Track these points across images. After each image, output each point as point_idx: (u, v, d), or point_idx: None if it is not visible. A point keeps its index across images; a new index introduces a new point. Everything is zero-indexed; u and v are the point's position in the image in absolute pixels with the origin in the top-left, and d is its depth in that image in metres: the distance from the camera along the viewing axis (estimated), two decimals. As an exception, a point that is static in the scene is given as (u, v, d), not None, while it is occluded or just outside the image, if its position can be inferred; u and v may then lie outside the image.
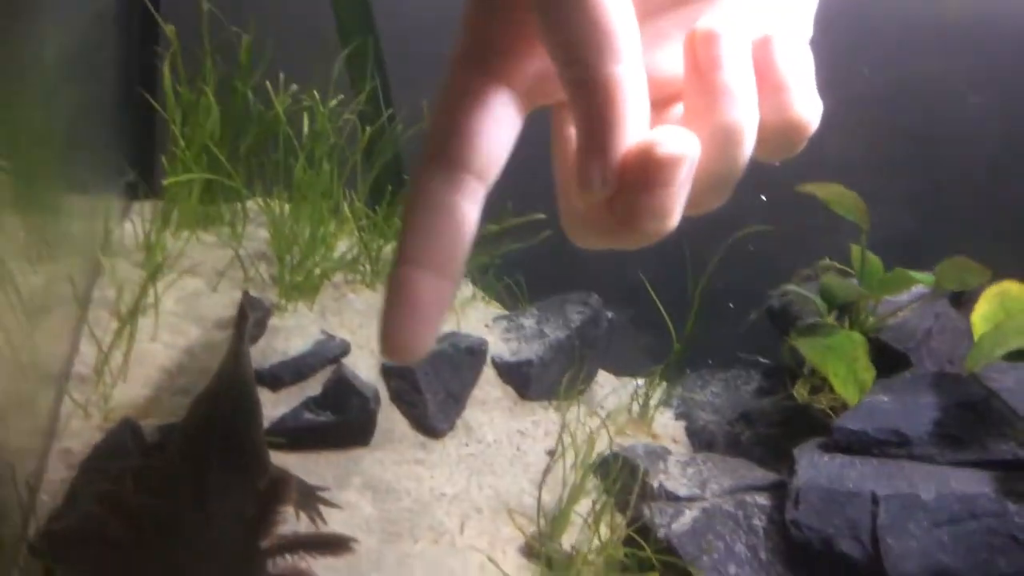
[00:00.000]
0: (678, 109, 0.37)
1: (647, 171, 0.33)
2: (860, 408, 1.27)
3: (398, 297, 0.35)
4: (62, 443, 1.09)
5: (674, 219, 0.34)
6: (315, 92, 1.34)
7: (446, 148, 0.36)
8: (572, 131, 0.37)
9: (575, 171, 0.34)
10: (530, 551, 1.22)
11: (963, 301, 1.45)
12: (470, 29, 0.38)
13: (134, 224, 1.32)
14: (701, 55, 0.35)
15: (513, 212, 1.42)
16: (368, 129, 1.36)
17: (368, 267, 1.40)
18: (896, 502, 1.16)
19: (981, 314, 1.23)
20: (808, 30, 0.39)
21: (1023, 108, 1.50)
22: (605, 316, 1.53)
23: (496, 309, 1.53)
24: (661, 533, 1.21)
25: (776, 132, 0.36)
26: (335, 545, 0.88)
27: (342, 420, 1.22)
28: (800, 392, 1.46)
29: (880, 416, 1.26)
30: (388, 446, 1.27)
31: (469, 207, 0.36)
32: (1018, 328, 1.17)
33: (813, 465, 1.23)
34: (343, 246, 1.39)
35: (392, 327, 0.34)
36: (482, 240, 1.48)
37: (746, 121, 0.35)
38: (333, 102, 1.35)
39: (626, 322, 1.63)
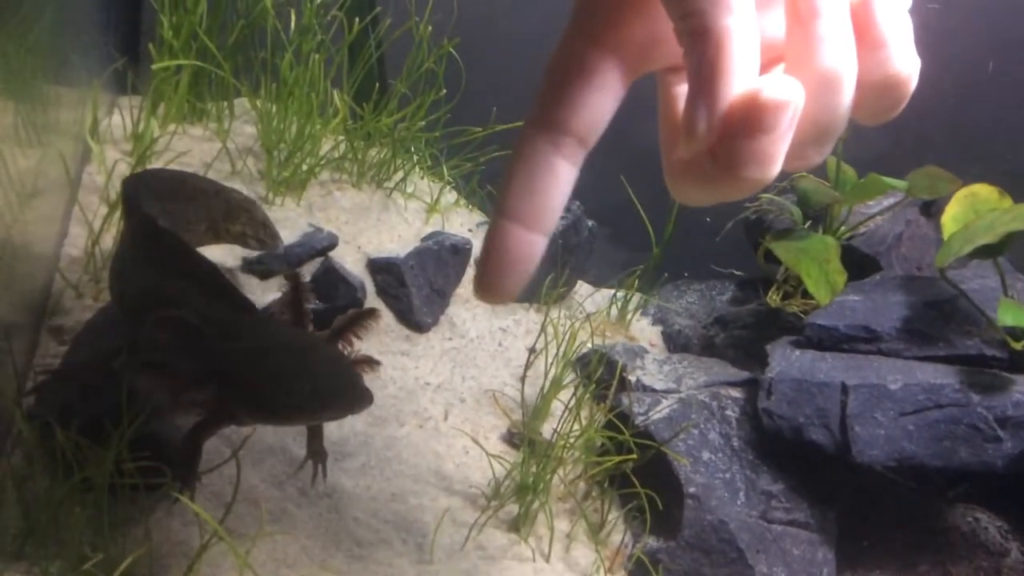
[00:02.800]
0: (781, 69, 0.38)
1: (751, 116, 0.34)
2: (831, 306, 1.32)
3: (494, 247, 0.39)
4: (54, 320, 1.11)
5: (776, 167, 0.35)
6: (302, -13, 1.35)
7: (552, 113, 0.39)
8: (678, 92, 0.40)
9: (682, 118, 0.35)
10: (512, 437, 1.26)
11: (933, 211, 1.50)
12: None
13: (122, 115, 1.32)
14: (802, 6, 0.36)
15: (498, 119, 1.44)
16: (357, 22, 1.36)
17: (355, 167, 1.41)
18: (864, 392, 1.21)
19: (952, 215, 1.27)
20: None
21: (993, 24, 1.53)
22: (586, 224, 1.56)
23: (479, 215, 1.55)
24: (639, 420, 1.25)
25: (876, 88, 0.37)
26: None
27: (330, 308, 1.24)
28: (772, 298, 1.51)
29: (850, 313, 1.31)
30: (374, 337, 1.30)
31: (567, 168, 0.39)
32: (986, 226, 1.21)
33: (785, 359, 1.28)
34: (329, 144, 1.40)
35: (486, 273, 0.39)
36: (466, 146, 1.50)
37: (844, 68, 0.36)
38: (319, -1, 1.36)
39: (606, 236, 1.66)
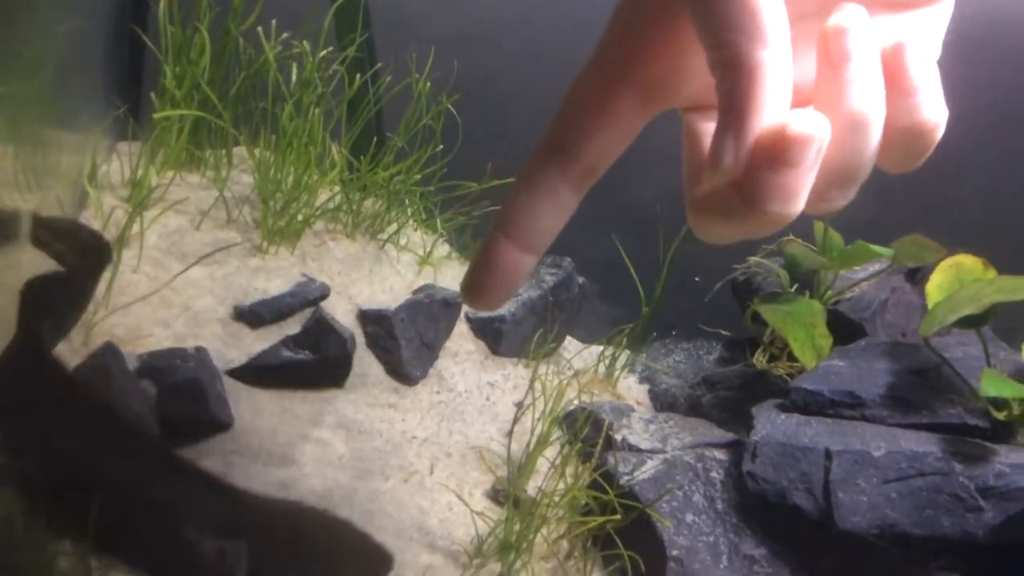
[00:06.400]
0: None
1: (777, 149, 0.33)
2: (817, 371, 1.33)
3: (484, 258, 0.40)
4: (43, 364, 1.11)
5: (799, 204, 0.35)
6: (305, 42, 1.37)
7: (564, 140, 0.39)
8: (701, 129, 0.40)
9: (709, 149, 0.34)
10: (497, 494, 1.26)
11: (918, 278, 1.52)
12: (614, 24, 0.40)
13: (121, 162, 1.34)
14: (832, 47, 0.36)
15: (493, 173, 1.46)
16: (358, 77, 1.39)
17: (350, 218, 1.43)
18: (848, 458, 1.22)
19: (936, 284, 1.29)
20: (937, 49, 0.40)
21: (979, 94, 1.57)
22: (577, 280, 1.57)
23: (471, 269, 1.56)
24: (623, 480, 1.25)
25: (904, 135, 0.37)
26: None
27: (320, 359, 1.24)
28: (759, 360, 1.52)
29: (835, 379, 1.32)
30: (362, 389, 1.31)
31: (571, 196, 0.40)
32: (970, 296, 1.23)
33: (771, 422, 1.29)
34: (325, 195, 1.42)
35: (472, 280, 0.40)
36: (460, 200, 1.52)
37: (873, 112, 0.36)
38: (323, 52, 1.38)
39: (596, 293, 1.68)
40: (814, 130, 0.34)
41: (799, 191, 0.34)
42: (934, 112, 0.37)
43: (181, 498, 0.85)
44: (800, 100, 0.38)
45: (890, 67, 0.37)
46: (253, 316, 1.25)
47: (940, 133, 0.37)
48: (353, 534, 0.93)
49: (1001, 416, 1.26)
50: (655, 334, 1.62)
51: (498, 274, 0.39)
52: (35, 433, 0.86)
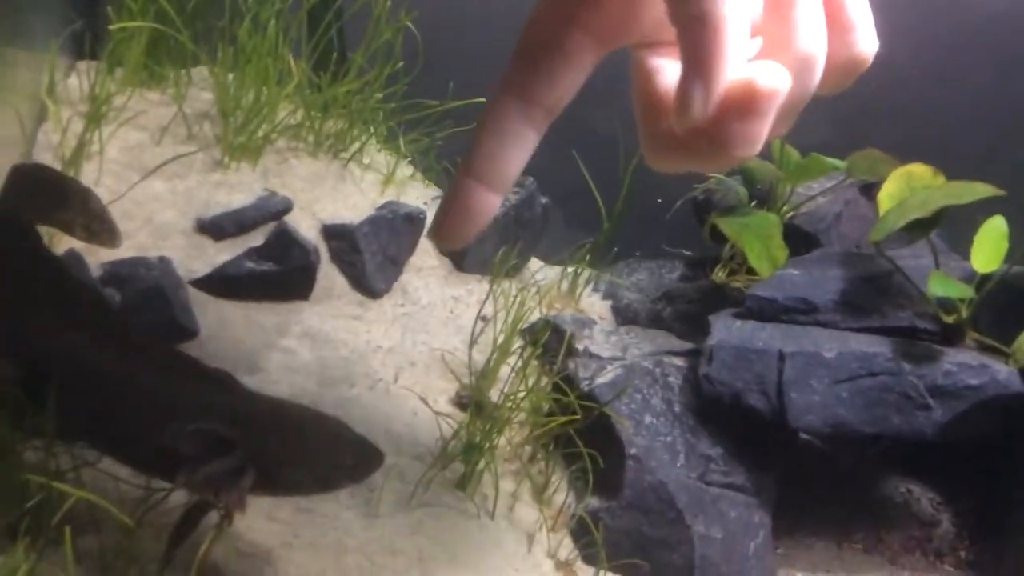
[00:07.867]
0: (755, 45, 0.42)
1: (748, 102, 0.37)
2: (772, 279, 1.36)
3: (454, 201, 0.43)
4: None
5: (760, 145, 0.39)
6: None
7: (525, 84, 0.42)
8: (653, 65, 0.42)
9: (676, 96, 0.37)
10: (461, 399, 1.29)
11: (872, 192, 1.55)
12: None
13: (80, 79, 1.33)
14: None
15: (455, 94, 1.47)
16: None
17: (312, 137, 1.43)
18: (800, 359, 1.26)
19: (887, 192, 1.32)
20: None
21: (930, 20, 1.59)
22: (540, 200, 1.59)
23: (435, 190, 1.58)
24: (584, 384, 1.28)
25: (840, 67, 0.41)
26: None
27: (284, 270, 1.26)
28: (718, 275, 1.55)
29: (790, 286, 1.35)
30: (327, 302, 1.32)
31: (533, 136, 0.43)
32: (919, 203, 1.26)
33: (727, 328, 1.32)
34: (285, 112, 1.42)
35: (443, 221, 0.43)
36: (424, 121, 1.53)
37: (819, 51, 0.39)
38: (281, -33, 1.37)
39: (560, 216, 1.69)
40: (780, 83, 0.37)
41: (762, 136, 0.38)
42: (868, 45, 0.41)
43: (169, 385, 0.85)
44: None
45: (829, 6, 0.40)
46: (216, 228, 1.26)
47: (869, 63, 0.41)
48: (346, 428, 0.94)
49: (950, 319, 1.30)
50: (617, 251, 1.64)
51: (471, 214, 0.43)
52: (11, 310, 0.86)
